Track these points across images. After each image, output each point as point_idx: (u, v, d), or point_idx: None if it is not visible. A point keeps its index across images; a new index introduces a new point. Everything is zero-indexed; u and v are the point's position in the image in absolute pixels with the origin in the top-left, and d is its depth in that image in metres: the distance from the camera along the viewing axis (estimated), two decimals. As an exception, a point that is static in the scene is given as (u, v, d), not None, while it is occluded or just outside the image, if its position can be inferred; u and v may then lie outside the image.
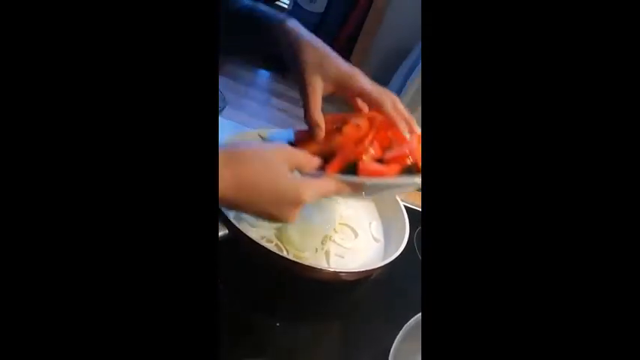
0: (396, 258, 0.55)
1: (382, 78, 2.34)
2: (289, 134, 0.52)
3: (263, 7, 0.54)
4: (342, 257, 0.59)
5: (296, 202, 0.41)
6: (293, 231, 0.53)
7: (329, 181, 0.43)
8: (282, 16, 0.52)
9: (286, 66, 0.50)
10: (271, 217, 0.41)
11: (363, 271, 0.54)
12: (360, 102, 0.51)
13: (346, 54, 2.45)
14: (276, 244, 0.54)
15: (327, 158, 0.46)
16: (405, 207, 0.66)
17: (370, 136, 0.47)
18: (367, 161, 0.46)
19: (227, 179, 0.37)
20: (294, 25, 0.50)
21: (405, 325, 0.46)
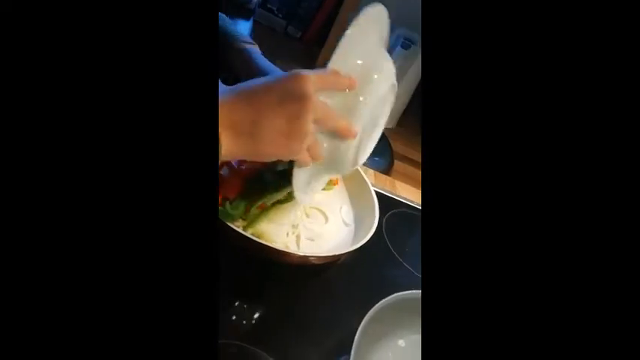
0: (365, 242, 0.56)
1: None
2: None
3: (230, 26, 0.59)
4: (313, 241, 0.59)
5: (302, 94, 0.38)
6: (263, 223, 0.53)
7: (326, 71, 0.42)
8: (245, 39, 0.58)
9: None
10: (280, 135, 0.39)
11: (331, 256, 0.55)
12: None
13: (324, 33, 2.42)
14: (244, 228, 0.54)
15: None
16: (376, 192, 0.67)
17: None
18: None
19: (233, 104, 0.38)
20: (253, 52, 0.56)
21: (372, 308, 0.47)
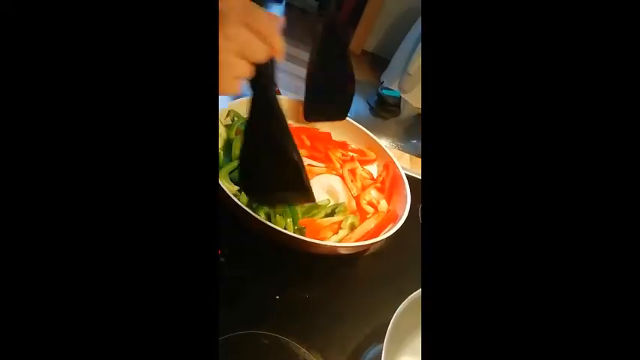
0: (396, 231, 0.54)
1: (392, 41, 2.27)
2: None
3: None
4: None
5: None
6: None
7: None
8: None
9: None
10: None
11: (361, 245, 0.54)
12: None
13: (358, 13, 2.36)
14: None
15: None
16: (412, 177, 0.64)
17: None
18: None
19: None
20: None
21: (405, 300, 0.46)
